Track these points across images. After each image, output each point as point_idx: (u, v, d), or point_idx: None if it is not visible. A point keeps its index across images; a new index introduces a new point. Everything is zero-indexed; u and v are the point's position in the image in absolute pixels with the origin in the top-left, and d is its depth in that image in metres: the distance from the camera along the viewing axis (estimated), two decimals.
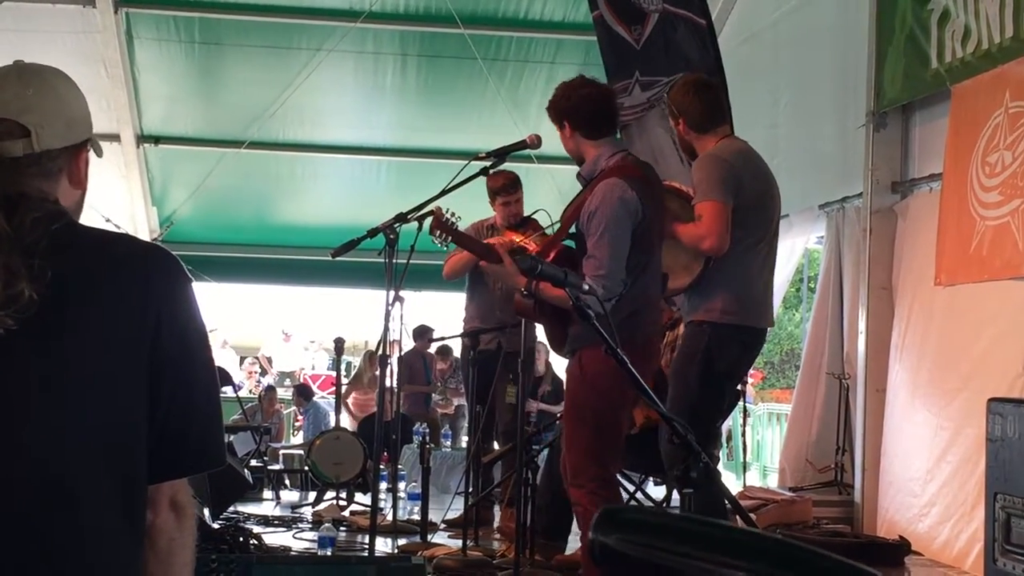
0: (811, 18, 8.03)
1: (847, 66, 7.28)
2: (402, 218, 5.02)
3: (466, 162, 4.90)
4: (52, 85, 1.82)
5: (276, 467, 9.05)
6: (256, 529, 5.53)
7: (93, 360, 1.68)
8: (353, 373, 13.20)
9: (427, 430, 7.77)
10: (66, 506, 1.65)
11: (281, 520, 6.29)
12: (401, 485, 6.64)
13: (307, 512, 6.58)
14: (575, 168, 4.55)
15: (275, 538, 5.62)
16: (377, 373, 6.69)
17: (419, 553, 5.29)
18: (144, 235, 10.88)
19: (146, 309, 1.72)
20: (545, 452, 5.77)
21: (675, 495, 5.00)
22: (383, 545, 5.45)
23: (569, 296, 3.19)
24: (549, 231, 6.11)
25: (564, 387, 5.44)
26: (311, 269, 12.11)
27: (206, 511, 5.08)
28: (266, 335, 18.84)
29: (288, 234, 12.14)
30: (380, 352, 5.28)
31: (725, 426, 8.13)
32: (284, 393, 15.37)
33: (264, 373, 17.79)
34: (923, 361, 6.23)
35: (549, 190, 10.41)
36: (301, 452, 8.86)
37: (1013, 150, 5.34)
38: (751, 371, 10.75)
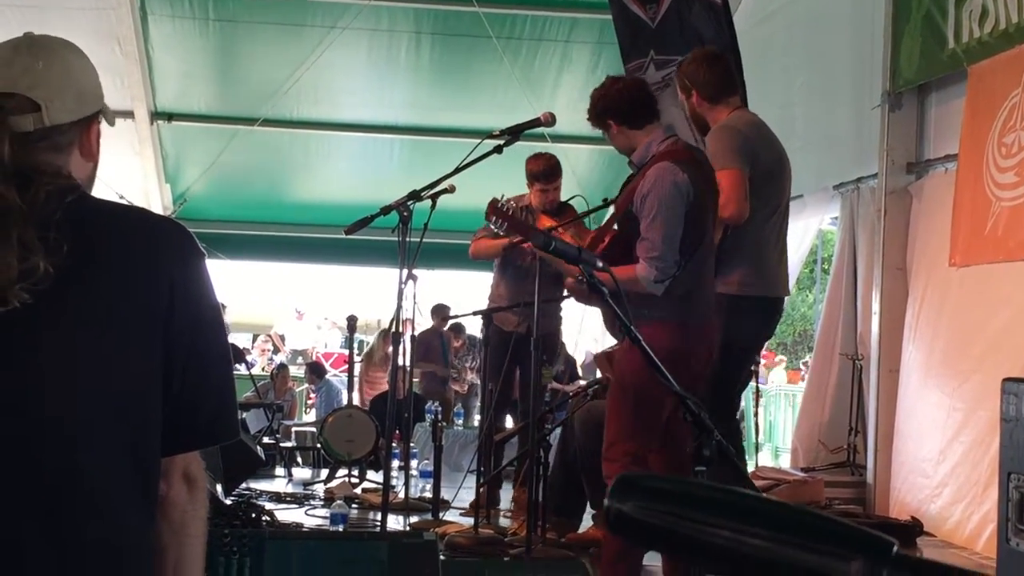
0: None
1: (863, 46, 7.23)
2: (415, 196, 5.02)
3: (480, 140, 4.90)
4: (62, 57, 1.81)
5: (288, 444, 9.05)
6: (268, 506, 5.54)
7: (107, 332, 1.69)
8: (365, 351, 13.22)
9: (439, 408, 7.78)
10: (80, 477, 1.66)
11: (293, 497, 6.29)
12: (413, 463, 6.65)
13: (319, 489, 6.58)
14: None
15: (287, 515, 5.62)
16: (390, 351, 6.68)
17: (431, 530, 5.31)
18: (157, 212, 10.86)
19: (159, 281, 1.73)
20: (558, 431, 5.77)
21: None
22: (395, 522, 5.45)
23: (583, 272, 3.21)
24: (585, 220, 6.11)
25: (577, 367, 5.44)
26: (324, 247, 12.13)
27: (219, 487, 5.09)
28: (279, 313, 18.87)
29: (301, 212, 12.14)
30: (393, 330, 5.28)
31: None
32: (296, 371, 15.42)
33: (277, 351, 17.83)
34: (937, 342, 6.21)
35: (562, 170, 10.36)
36: (313, 430, 8.86)
37: None
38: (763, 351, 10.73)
